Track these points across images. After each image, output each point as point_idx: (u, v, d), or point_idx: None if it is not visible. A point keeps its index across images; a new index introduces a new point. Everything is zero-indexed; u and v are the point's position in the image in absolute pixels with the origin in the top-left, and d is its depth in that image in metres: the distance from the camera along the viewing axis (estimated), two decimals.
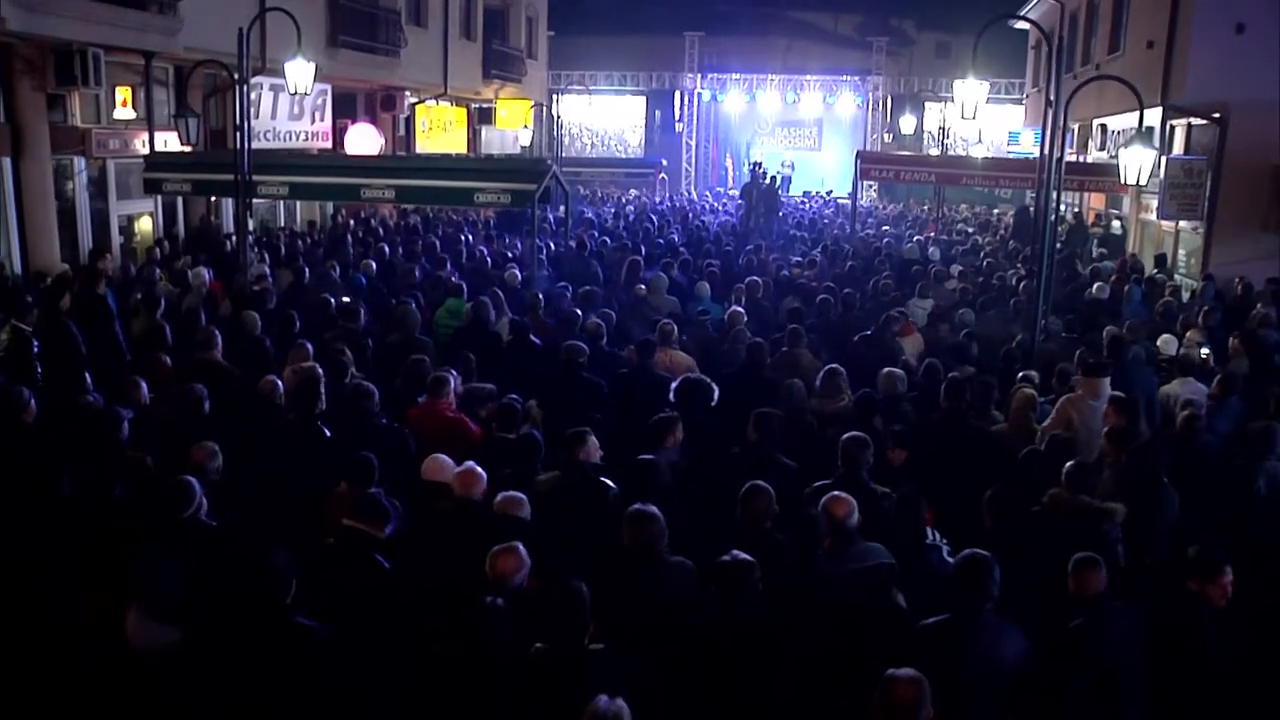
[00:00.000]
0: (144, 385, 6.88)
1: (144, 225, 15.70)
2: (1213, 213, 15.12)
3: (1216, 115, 14.91)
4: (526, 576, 4.35)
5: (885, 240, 18.07)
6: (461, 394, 7.54)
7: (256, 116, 16.80)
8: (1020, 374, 7.72)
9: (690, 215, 21.81)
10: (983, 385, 7.39)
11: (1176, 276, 16.44)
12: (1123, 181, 8.63)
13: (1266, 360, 8.89)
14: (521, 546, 4.36)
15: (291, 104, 17.51)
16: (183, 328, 9.49)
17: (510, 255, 14.65)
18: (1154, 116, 16.22)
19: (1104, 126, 19.29)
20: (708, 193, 33.17)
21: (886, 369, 7.43)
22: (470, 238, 16.37)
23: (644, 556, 4.55)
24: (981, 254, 16.79)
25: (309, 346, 8.03)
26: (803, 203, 29.90)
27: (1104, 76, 10.02)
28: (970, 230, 21.64)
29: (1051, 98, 8.72)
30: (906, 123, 26.07)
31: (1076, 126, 22.55)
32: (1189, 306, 12.29)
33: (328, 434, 6.32)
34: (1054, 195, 8.97)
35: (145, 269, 12.11)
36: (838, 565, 4.62)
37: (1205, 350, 8.54)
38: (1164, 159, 15.65)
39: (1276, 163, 14.30)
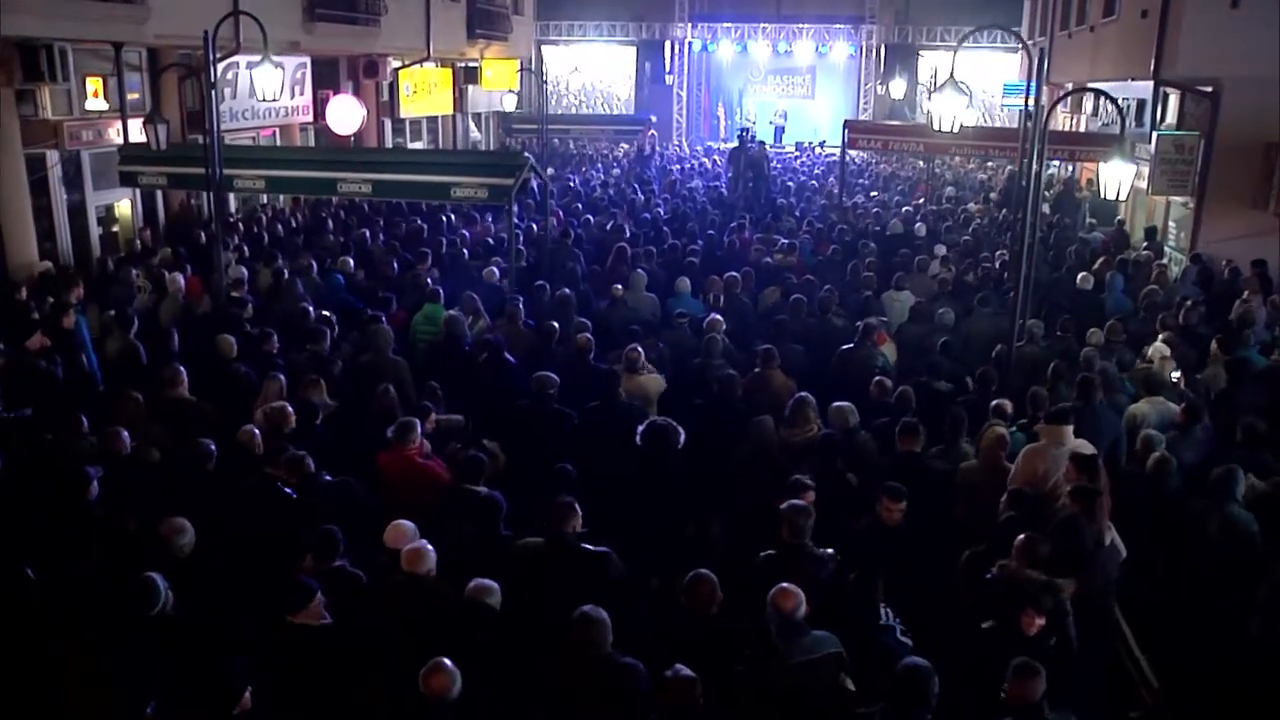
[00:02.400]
0: (125, 435, 6.86)
1: (123, 210, 15.53)
2: (1203, 188, 14.95)
3: (1209, 90, 14.66)
4: (461, 689, 4.38)
5: (874, 211, 17.88)
6: (432, 429, 7.56)
7: (234, 96, 16.59)
8: (993, 402, 7.66)
9: (678, 181, 21.54)
10: (953, 419, 7.37)
11: (1166, 249, 16.33)
12: (1102, 197, 8.49)
13: (1244, 371, 8.83)
14: (449, 662, 4.38)
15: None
16: (158, 343, 9.51)
17: (491, 241, 14.50)
18: (1146, 88, 16.00)
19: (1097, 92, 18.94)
20: (699, 147, 32.76)
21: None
22: (453, 216, 16.19)
23: (590, 659, 4.57)
24: (971, 226, 16.65)
25: (283, 379, 7.99)
26: (795, 156, 29.59)
27: (1087, 89, 9.78)
28: (960, 193, 21.45)
29: (1031, 109, 8.55)
30: (896, 87, 25.53)
31: (1071, 86, 22.21)
32: (1174, 291, 12.18)
33: (292, 495, 6.33)
34: (1035, 212, 8.87)
35: (122, 270, 12.01)
36: (785, 658, 4.66)
37: (1177, 374, 8.47)
38: (1155, 133, 15.46)
39: (1268, 139, 14.08)
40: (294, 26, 16.97)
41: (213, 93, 10.37)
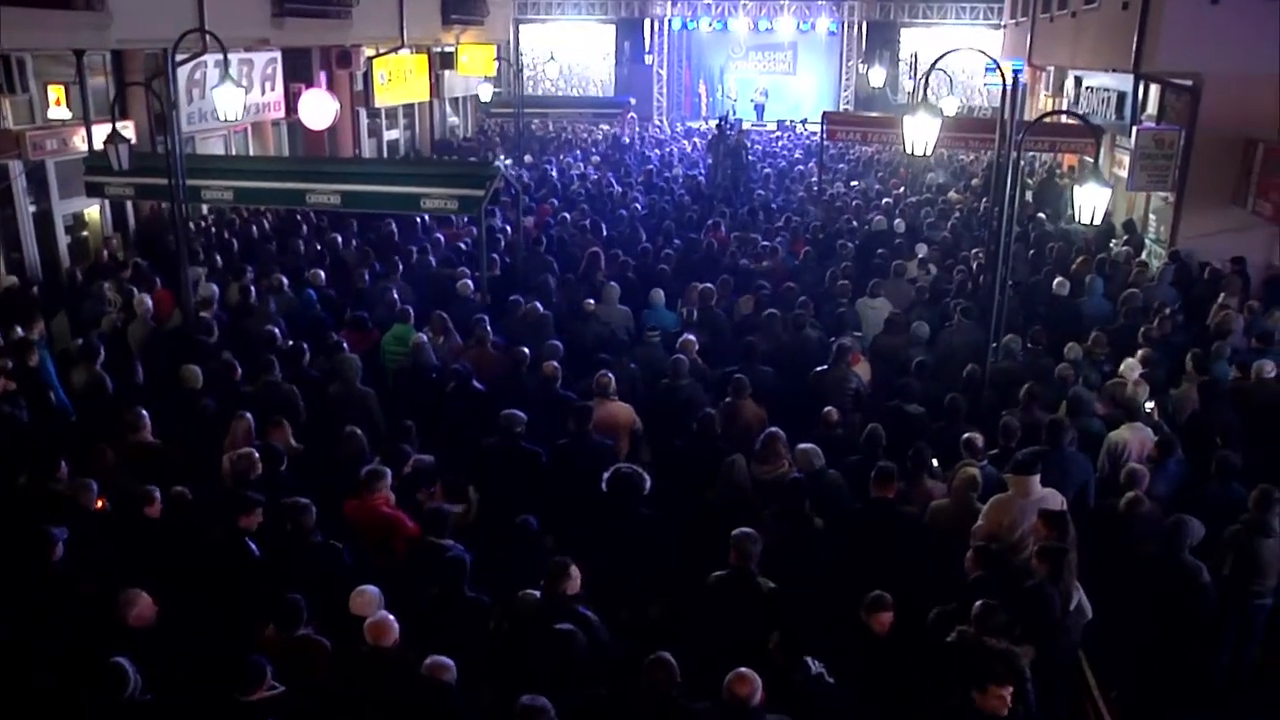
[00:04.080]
0: (94, 486, 6.77)
1: (93, 216, 15.27)
2: (1183, 184, 14.86)
3: (1189, 84, 14.55)
4: None
5: (854, 203, 17.71)
6: (408, 474, 7.46)
7: (203, 96, 16.26)
8: (964, 437, 7.58)
9: (654, 170, 21.30)
10: (916, 454, 7.31)
11: (1146, 241, 16.25)
12: (1077, 220, 8.41)
13: (1217, 393, 8.78)
14: None
15: (239, 76, 16.83)
16: (125, 371, 9.37)
17: (465, 246, 14.31)
18: (1126, 81, 15.87)
19: (1079, 79, 18.82)
20: (679, 126, 32.46)
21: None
22: (426, 217, 15.95)
23: None
24: (951, 220, 16.50)
25: (249, 418, 7.84)
26: (776, 137, 29.32)
27: (1065, 110, 9.67)
28: (943, 179, 21.27)
29: (1009, 131, 8.46)
30: (875, 75, 25.25)
31: (1053, 69, 22.06)
32: (1153, 294, 12.06)
33: (256, 553, 6.23)
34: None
35: (94, 285, 11.82)
36: None
37: (1150, 404, 8.42)
38: (1135, 129, 15.34)
39: (1248, 135, 14.00)
40: (262, 23, 16.66)
41: (174, 112, 10.16)
